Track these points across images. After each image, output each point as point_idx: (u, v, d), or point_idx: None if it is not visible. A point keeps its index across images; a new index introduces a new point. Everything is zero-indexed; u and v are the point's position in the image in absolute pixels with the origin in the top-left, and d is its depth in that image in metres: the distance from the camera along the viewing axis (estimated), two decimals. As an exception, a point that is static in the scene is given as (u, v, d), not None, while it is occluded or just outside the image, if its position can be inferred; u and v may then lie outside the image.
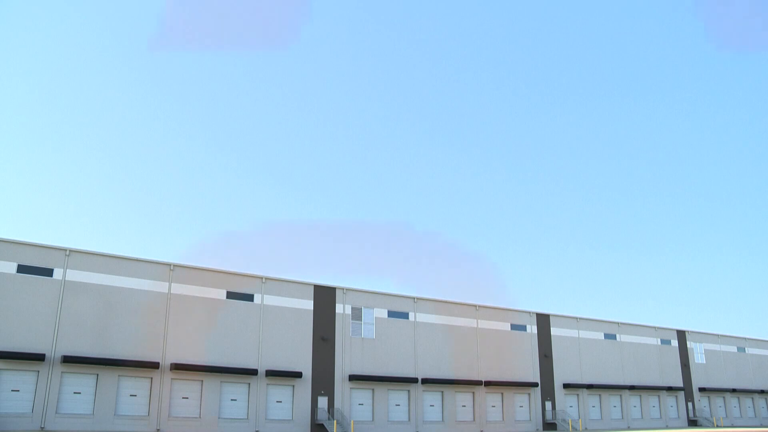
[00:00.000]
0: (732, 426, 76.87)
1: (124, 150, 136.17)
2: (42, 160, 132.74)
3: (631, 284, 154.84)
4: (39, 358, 39.80)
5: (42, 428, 39.20)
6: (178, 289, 46.59)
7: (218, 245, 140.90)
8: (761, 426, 79.10)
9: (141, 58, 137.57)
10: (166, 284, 46.20)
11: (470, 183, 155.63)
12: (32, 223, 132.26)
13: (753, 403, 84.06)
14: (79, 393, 41.33)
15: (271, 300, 50.45)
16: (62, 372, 40.99)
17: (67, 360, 40.67)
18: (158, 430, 42.99)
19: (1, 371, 39.14)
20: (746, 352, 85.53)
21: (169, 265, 46.82)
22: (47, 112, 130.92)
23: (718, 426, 74.99)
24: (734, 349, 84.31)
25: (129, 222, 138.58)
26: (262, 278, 50.61)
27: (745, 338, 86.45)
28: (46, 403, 39.87)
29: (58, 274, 42.42)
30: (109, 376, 42.46)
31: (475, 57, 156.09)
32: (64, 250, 43.12)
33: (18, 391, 39.35)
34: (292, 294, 51.70)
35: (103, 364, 41.99)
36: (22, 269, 41.29)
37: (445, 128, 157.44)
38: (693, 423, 75.60)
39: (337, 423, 49.07)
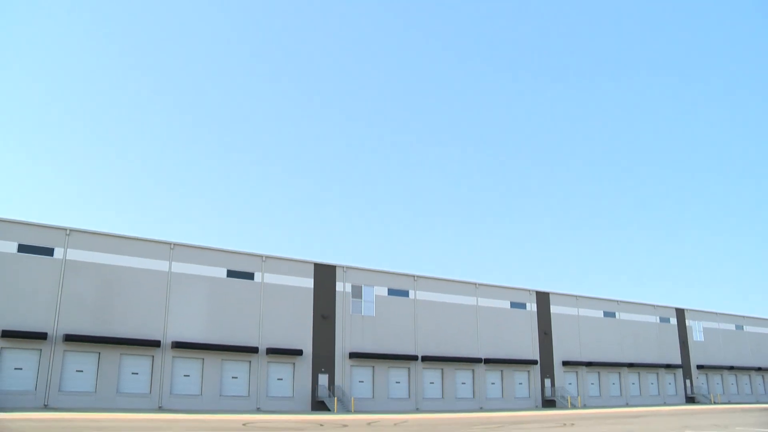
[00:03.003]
0: (729, 403, 77.53)
1: (123, 129, 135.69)
2: (42, 140, 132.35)
3: (630, 262, 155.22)
4: (41, 336, 40.06)
5: (45, 405, 39.57)
6: (178, 267, 46.70)
7: (218, 223, 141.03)
8: (758, 402, 79.76)
9: (140, 34, 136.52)
10: (167, 263, 46.31)
11: (469, 160, 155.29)
12: (32, 202, 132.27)
13: (750, 380, 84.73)
14: (82, 371, 41.66)
15: (271, 278, 50.59)
16: (64, 350, 41.27)
17: (69, 338, 40.93)
18: (160, 407, 43.39)
19: (4, 350, 39.42)
20: (744, 330, 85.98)
21: (169, 244, 46.89)
22: (46, 91, 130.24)
23: (715, 403, 75.63)
24: (732, 327, 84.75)
25: (129, 201, 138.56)
26: (262, 257, 50.70)
27: (744, 316, 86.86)
28: (48, 381, 40.21)
29: (58, 253, 42.52)
30: (110, 354, 42.75)
31: (471, 30, 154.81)
32: (65, 229, 43.14)
33: (21, 369, 39.67)
34: (292, 272, 51.83)
35: (104, 343, 42.27)
36: (22, 249, 41.36)
37: (443, 106, 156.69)
38: (691, 400, 76.26)
39: (337, 400, 49.50)
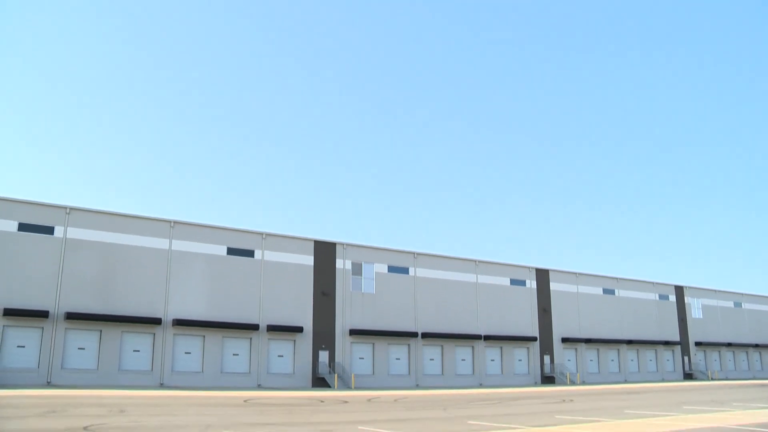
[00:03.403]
0: (726, 379, 78.11)
1: (122, 107, 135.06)
2: (41, 119, 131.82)
3: (630, 240, 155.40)
4: (43, 314, 40.23)
5: (48, 382, 39.86)
6: (178, 245, 46.75)
7: (218, 201, 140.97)
8: (754, 378, 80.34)
9: (139, 13, 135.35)
10: (167, 241, 46.35)
11: (469, 138, 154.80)
12: (32, 181, 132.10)
13: (747, 356, 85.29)
14: (84, 348, 41.89)
15: (271, 255, 50.66)
16: (66, 328, 41.46)
17: (71, 316, 41.10)
18: (161, 384, 43.70)
19: (7, 328, 39.61)
20: (743, 307, 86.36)
21: (169, 221, 46.90)
22: (46, 68, 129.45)
23: (712, 379, 76.19)
24: (731, 304, 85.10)
25: (129, 179, 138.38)
26: (262, 234, 50.73)
27: (742, 293, 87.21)
28: (51, 359, 40.47)
29: (59, 232, 42.54)
30: (112, 331, 42.95)
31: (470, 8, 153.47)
32: (65, 208, 43.13)
33: (24, 347, 39.90)
34: (292, 249, 51.87)
35: (105, 321, 42.44)
36: (23, 227, 41.38)
37: (444, 83, 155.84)
38: (689, 376, 76.80)
39: (337, 377, 49.82)
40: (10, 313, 39.26)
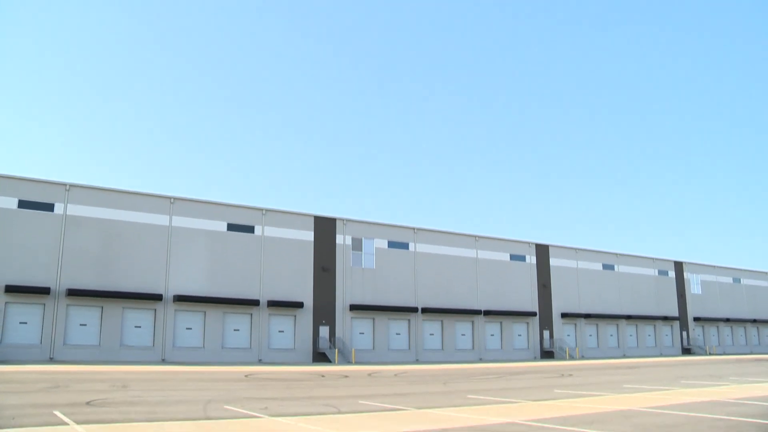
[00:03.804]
0: (724, 354, 78.63)
1: (122, 83, 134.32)
2: (40, 95, 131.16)
3: (630, 215, 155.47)
4: (44, 291, 40.39)
5: (51, 358, 40.13)
6: (179, 221, 46.79)
7: (218, 177, 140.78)
8: (751, 353, 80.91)
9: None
10: (167, 217, 46.38)
11: (469, 113, 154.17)
12: (32, 158, 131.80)
13: (745, 332, 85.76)
14: (85, 325, 42.11)
15: (271, 231, 50.72)
16: (67, 304, 41.64)
17: (72, 293, 41.26)
18: (163, 359, 43.99)
19: (9, 304, 39.79)
20: (741, 283, 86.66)
21: (169, 198, 46.89)
22: (45, 45, 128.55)
23: (710, 354, 76.70)
24: (730, 280, 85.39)
25: (128, 156, 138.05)
26: (262, 210, 50.75)
27: (741, 269, 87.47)
28: (53, 335, 40.71)
29: (59, 208, 42.54)
30: (113, 308, 43.14)
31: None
32: (64, 184, 43.08)
33: (26, 323, 40.11)
34: (292, 225, 51.92)
35: (107, 297, 42.62)
36: (23, 204, 41.38)
37: (443, 56, 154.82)
38: (687, 351, 77.28)
39: (338, 352, 50.14)
40: (11, 289, 39.42)
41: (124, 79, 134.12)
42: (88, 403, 15.55)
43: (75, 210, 42.97)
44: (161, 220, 46.06)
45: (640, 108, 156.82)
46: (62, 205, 42.60)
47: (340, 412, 14.56)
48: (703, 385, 24.58)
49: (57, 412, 13.45)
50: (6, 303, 39.61)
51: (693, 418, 13.82)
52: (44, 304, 40.83)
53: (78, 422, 11.97)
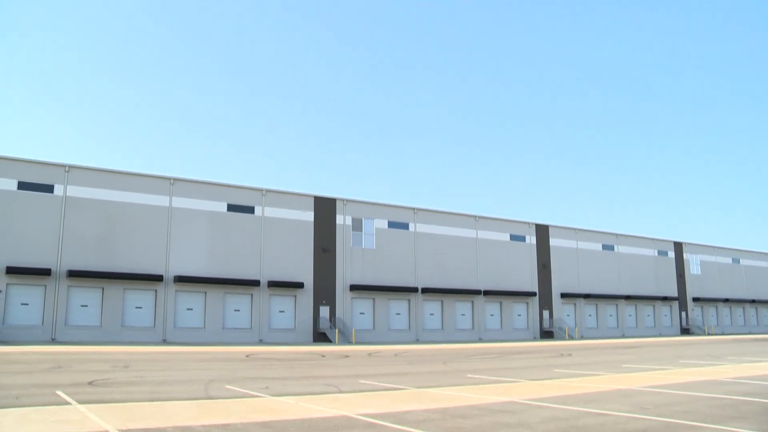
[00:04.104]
0: (722, 333, 79.00)
1: (121, 63, 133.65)
2: (39, 76, 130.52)
3: (630, 196, 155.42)
4: (45, 272, 40.51)
5: (53, 339, 40.34)
6: (179, 202, 46.79)
7: (218, 158, 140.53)
8: (750, 333, 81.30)
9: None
10: (167, 198, 46.38)
11: (469, 92, 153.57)
12: (31, 139, 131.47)
13: (743, 312, 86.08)
14: (86, 306, 42.27)
15: (271, 212, 50.74)
16: (68, 286, 41.78)
17: (73, 274, 41.38)
18: (164, 340, 44.20)
19: (11, 285, 39.93)
20: (740, 263, 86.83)
21: (169, 179, 46.86)
22: (45, 25, 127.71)
23: (709, 334, 77.04)
24: (729, 260, 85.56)
25: (128, 137, 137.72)
26: (262, 190, 50.73)
27: (740, 250, 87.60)
28: (54, 316, 40.89)
29: (58, 190, 42.54)
30: (114, 289, 43.29)
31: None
32: (64, 166, 43.04)
33: (27, 304, 40.28)
34: (292, 205, 51.93)
35: (107, 278, 42.75)
36: (22, 186, 41.37)
37: (444, 36, 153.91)
38: (685, 331, 77.62)
39: (338, 332, 50.37)
40: (12, 271, 39.54)
41: (123, 61, 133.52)
42: (90, 383, 15.66)
43: (75, 191, 42.97)
44: (161, 201, 46.06)
45: (639, 89, 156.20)
46: (62, 186, 42.59)
47: (340, 392, 14.67)
48: (701, 364, 24.73)
49: (60, 392, 13.56)
50: (7, 284, 39.74)
51: (691, 397, 13.93)
52: (45, 286, 40.97)
53: (80, 402, 12.07)
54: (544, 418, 10.70)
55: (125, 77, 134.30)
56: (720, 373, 20.33)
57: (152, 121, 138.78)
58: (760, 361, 26.29)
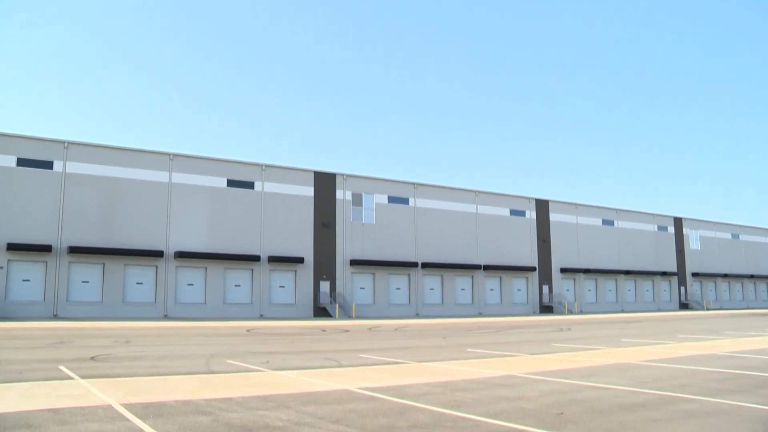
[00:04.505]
0: (721, 308, 79.33)
1: (120, 38, 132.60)
2: (38, 52, 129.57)
3: (630, 171, 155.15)
4: (46, 249, 40.58)
5: (55, 315, 40.53)
6: (178, 178, 46.72)
7: (217, 133, 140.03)
8: (748, 308, 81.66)
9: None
10: (167, 174, 46.29)
11: (469, 66, 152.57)
12: (30, 116, 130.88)
13: (742, 287, 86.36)
14: (88, 282, 42.41)
15: (271, 187, 50.67)
16: (69, 262, 41.88)
17: (73, 250, 41.46)
18: (165, 315, 44.40)
19: (12, 262, 40.03)
20: (740, 239, 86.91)
21: (168, 154, 46.75)
22: (43, 0, 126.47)
23: (707, 309, 77.36)
24: (728, 236, 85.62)
25: (127, 112, 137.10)
26: (262, 166, 50.62)
27: (740, 225, 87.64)
28: (56, 292, 41.05)
29: (58, 166, 42.46)
30: (114, 265, 43.40)
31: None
32: (63, 142, 42.91)
33: (29, 280, 40.41)
34: (292, 181, 51.85)
35: (108, 254, 42.83)
36: (21, 162, 41.29)
37: (444, 9, 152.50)
38: (684, 306, 77.92)
39: (339, 306, 50.57)
40: (13, 247, 39.61)
41: (122, 35, 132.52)
42: (92, 358, 15.77)
43: (74, 168, 42.89)
44: (161, 176, 46.00)
45: (640, 63, 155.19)
46: (61, 162, 42.50)
47: (341, 366, 14.77)
48: (699, 339, 24.88)
49: (62, 367, 13.65)
50: (8, 261, 39.84)
51: (689, 371, 14.02)
52: (46, 262, 41.07)
53: (83, 377, 12.16)
54: (544, 392, 10.78)
55: (124, 53, 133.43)
56: (718, 348, 20.46)
57: (151, 96, 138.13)
58: (758, 336, 26.44)
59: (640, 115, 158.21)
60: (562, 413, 8.77)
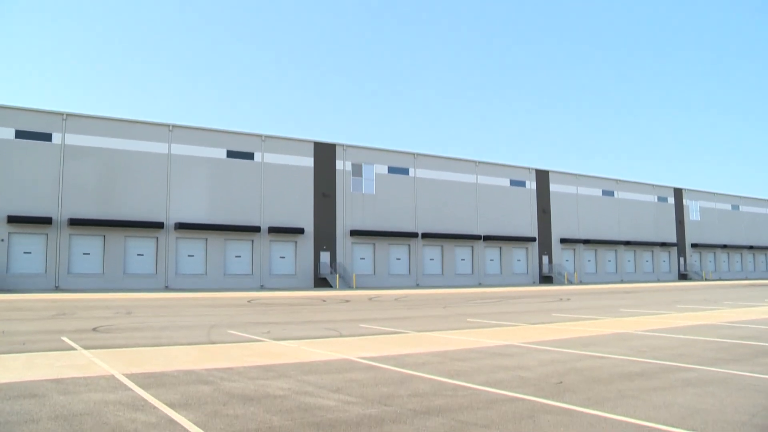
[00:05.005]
0: (720, 279, 79.62)
1: (119, 11, 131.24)
2: (36, 24, 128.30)
3: (630, 141, 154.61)
4: (46, 221, 40.63)
5: (56, 287, 40.71)
6: (178, 149, 46.60)
7: (217, 104, 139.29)
8: (747, 279, 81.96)
9: None
10: (166, 145, 46.16)
11: (468, 37, 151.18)
12: (28, 88, 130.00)
13: (741, 258, 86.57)
14: (88, 254, 42.53)
15: (271, 158, 50.56)
16: (70, 234, 41.96)
17: (74, 222, 41.51)
18: (166, 286, 44.60)
19: (12, 234, 40.11)
20: (740, 210, 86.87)
21: (168, 126, 46.56)
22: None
23: (706, 279, 77.65)
24: (728, 207, 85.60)
25: (126, 84, 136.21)
26: (261, 136, 50.45)
27: (740, 196, 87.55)
28: (57, 264, 41.19)
29: (57, 138, 42.33)
30: (115, 236, 43.48)
31: None
32: (61, 114, 42.71)
33: (30, 253, 40.54)
34: (292, 151, 51.72)
35: (108, 226, 42.89)
36: (20, 135, 41.14)
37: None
38: (683, 277, 78.20)
39: (339, 277, 50.77)
40: (13, 220, 39.66)
41: (121, 7, 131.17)
42: (94, 329, 15.87)
43: (73, 139, 42.75)
44: (160, 148, 45.88)
45: (640, 35, 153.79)
46: (60, 134, 42.36)
47: (341, 336, 14.86)
48: (698, 309, 25.00)
49: (65, 338, 13.74)
50: (9, 233, 39.90)
51: (687, 340, 14.12)
52: (47, 234, 41.14)
53: (85, 347, 12.24)
54: (543, 361, 10.86)
55: (122, 23, 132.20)
56: (716, 318, 20.57)
57: (150, 68, 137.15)
58: (755, 306, 26.58)
59: (641, 86, 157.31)
60: (561, 382, 8.84)
